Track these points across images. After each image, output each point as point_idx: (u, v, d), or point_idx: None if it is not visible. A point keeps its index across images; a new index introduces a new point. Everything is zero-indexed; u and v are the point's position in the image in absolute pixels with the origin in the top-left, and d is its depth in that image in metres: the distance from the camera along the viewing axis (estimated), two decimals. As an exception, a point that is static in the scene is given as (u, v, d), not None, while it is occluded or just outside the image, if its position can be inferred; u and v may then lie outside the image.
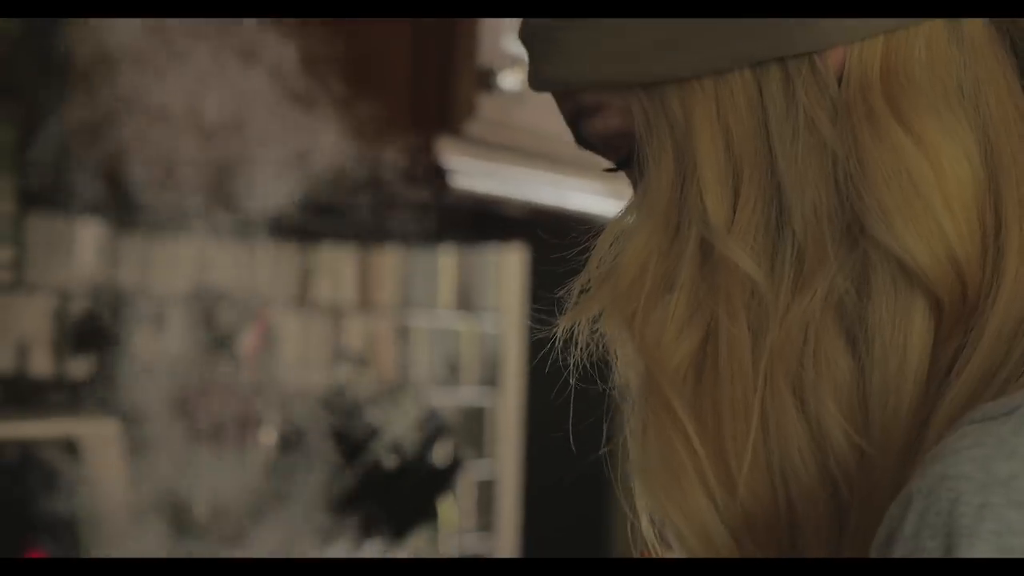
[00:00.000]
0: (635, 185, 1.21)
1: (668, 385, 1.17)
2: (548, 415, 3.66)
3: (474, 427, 3.40)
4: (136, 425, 2.46)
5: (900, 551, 1.01)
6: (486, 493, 3.57)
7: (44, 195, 2.61)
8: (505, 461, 3.60)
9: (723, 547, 1.19)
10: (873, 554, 1.05)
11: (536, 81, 1.23)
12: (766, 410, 1.16)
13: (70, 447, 2.42)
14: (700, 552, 1.20)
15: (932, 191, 1.13)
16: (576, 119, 1.21)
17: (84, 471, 2.45)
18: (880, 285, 1.14)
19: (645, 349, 1.18)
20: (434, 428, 2.86)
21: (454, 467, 2.90)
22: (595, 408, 3.59)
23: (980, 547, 0.98)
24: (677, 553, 1.23)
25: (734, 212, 1.16)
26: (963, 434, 1.03)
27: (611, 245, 1.20)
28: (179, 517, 2.36)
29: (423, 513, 2.92)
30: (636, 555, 1.34)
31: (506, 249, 3.56)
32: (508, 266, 3.60)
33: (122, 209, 2.38)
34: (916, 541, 1.00)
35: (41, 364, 2.62)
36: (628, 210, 1.22)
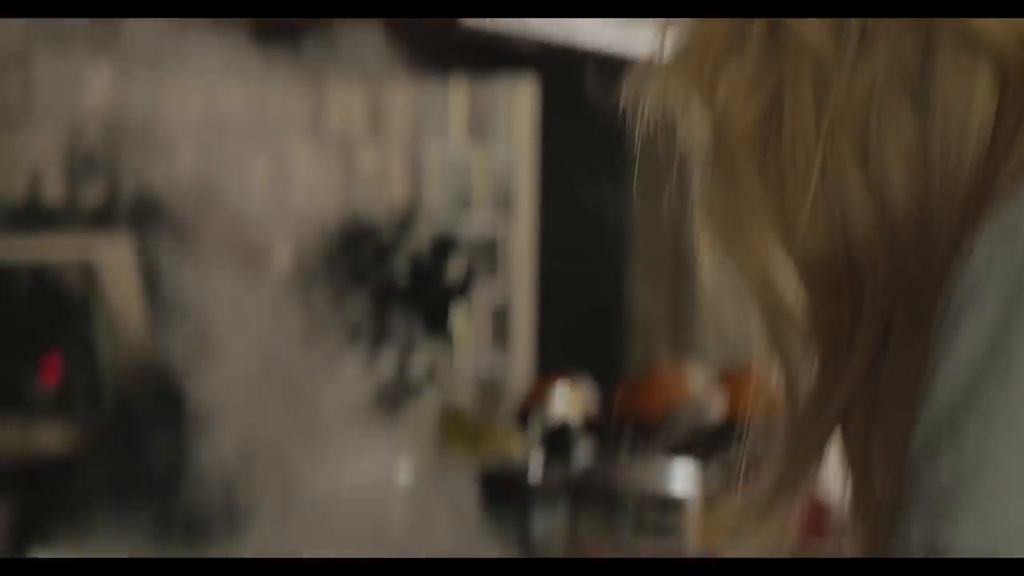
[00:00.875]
0: None
1: (736, 142, 1.16)
2: (558, 241, 3.69)
3: (488, 253, 3.40)
4: (150, 248, 2.46)
5: (975, 285, 0.99)
6: (501, 316, 3.57)
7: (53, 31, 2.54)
8: (519, 285, 3.60)
9: (784, 293, 1.18)
10: (944, 294, 1.02)
11: None
12: (827, 165, 1.13)
13: (87, 269, 2.44)
14: (765, 304, 1.18)
15: None
16: None
17: (100, 290, 2.48)
18: (944, 49, 1.11)
19: (715, 109, 1.16)
20: (446, 248, 2.88)
21: (467, 284, 2.92)
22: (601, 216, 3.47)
23: None
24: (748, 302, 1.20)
25: None
26: (1001, 222, 1.01)
27: (684, 41, 1.15)
28: (197, 338, 2.31)
29: (437, 327, 2.92)
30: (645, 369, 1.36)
31: (518, 81, 3.52)
32: (520, 97, 3.56)
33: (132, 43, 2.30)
34: (985, 276, 0.99)
35: (56, 191, 2.58)
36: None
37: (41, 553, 2.22)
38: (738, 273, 1.20)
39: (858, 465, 1.17)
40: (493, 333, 3.53)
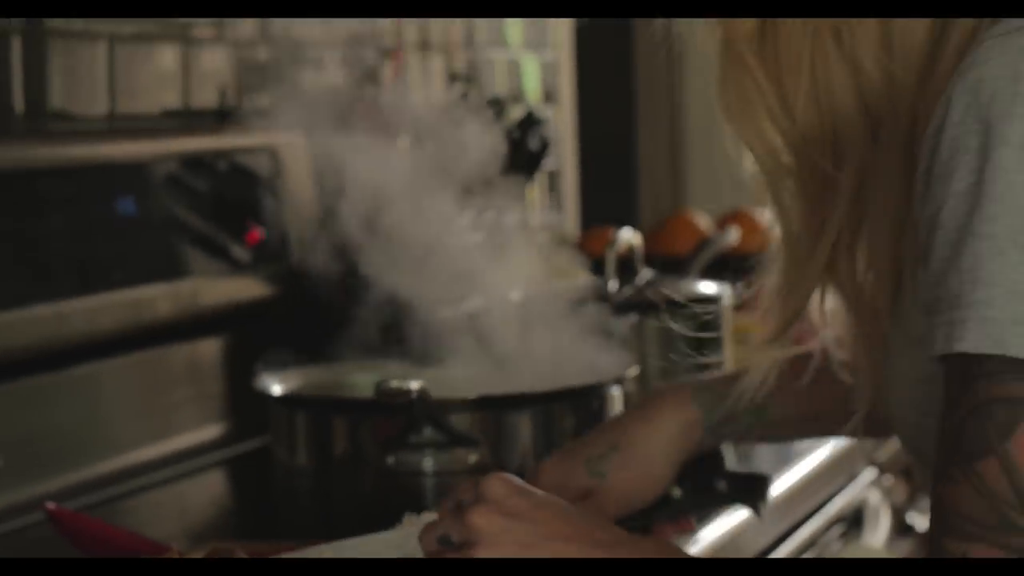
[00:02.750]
0: None
1: (742, 42, 1.27)
2: (591, 121, 3.81)
3: (547, 124, 3.24)
4: (315, 136, 2.46)
5: (949, 135, 1.10)
6: (555, 180, 3.61)
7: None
8: (565, 156, 3.63)
9: (784, 159, 1.30)
10: (925, 144, 1.14)
11: None
12: (814, 56, 1.25)
13: (271, 153, 2.52)
14: (769, 165, 1.31)
15: None
16: None
17: (281, 172, 2.55)
18: None
19: (724, 22, 1.29)
20: (531, 124, 2.91)
21: (543, 153, 2.95)
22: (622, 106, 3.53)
23: (1015, 125, 1.07)
24: (752, 164, 1.34)
25: None
26: (989, 47, 1.11)
27: None
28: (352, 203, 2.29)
29: (520, 193, 2.90)
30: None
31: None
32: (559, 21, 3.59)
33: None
34: (963, 126, 1.09)
35: (236, 98, 2.63)
36: None
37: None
38: (745, 139, 1.32)
39: (847, 281, 1.30)
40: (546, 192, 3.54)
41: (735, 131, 1.31)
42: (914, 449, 1.33)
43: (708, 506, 1.69)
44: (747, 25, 1.25)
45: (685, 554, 1.42)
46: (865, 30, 1.22)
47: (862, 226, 1.27)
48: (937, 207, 1.10)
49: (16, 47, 2.20)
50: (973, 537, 1.08)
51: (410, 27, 3.06)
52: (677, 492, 1.66)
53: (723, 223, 3.30)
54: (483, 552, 1.28)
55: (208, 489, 2.27)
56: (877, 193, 1.24)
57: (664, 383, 2.18)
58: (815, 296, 1.34)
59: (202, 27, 2.54)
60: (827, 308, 1.37)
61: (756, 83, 1.27)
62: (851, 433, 1.53)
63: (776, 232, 1.34)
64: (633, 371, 2.08)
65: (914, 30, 1.21)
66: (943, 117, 1.11)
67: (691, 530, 1.66)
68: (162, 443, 2.29)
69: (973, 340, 1.07)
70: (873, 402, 1.38)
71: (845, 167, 1.26)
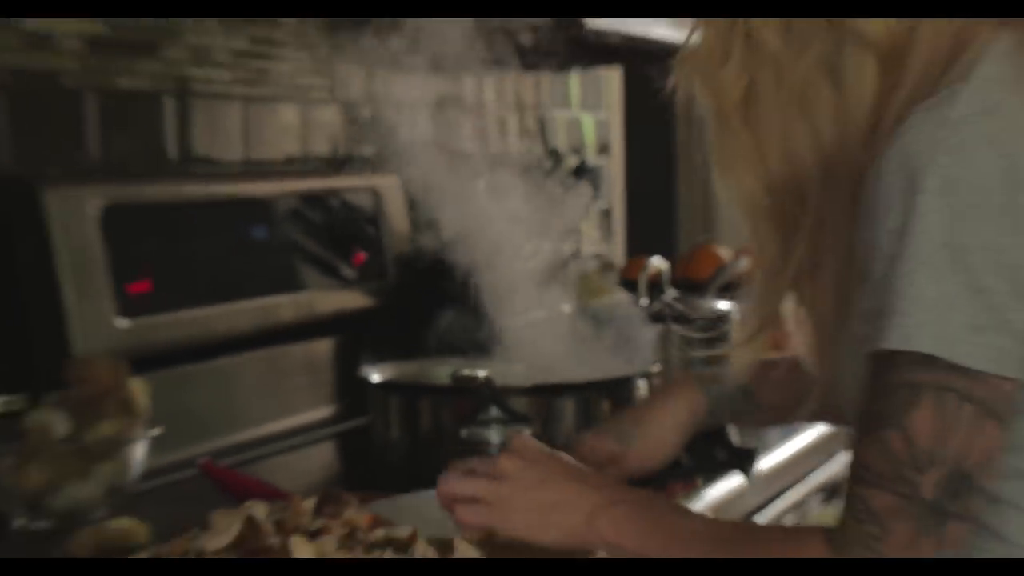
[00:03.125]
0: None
1: (730, 111, 1.30)
2: (641, 176, 3.86)
3: (595, 178, 3.38)
4: (409, 179, 2.44)
5: (884, 184, 1.16)
6: (606, 217, 3.60)
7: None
8: (615, 196, 3.65)
9: (761, 202, 1.31)
10: (865, 192, 1.19)
11: None
12: (785, 124, 1.27)
13: (374, 192, 2.57)
14: (748, 206, 1.33)
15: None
16: None
17: (381, 207, 2.59)
18: (848, 46, 1.23)
19: (714, 91, 1.31)
20: (584, 171, 3.04)
21: (594, 195, 3.02)
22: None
23: (932, 178, 1.12)
24: (735, 206, 1.35)
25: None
26: (915, 118, 1.16)
27: (690, 46, 1.32)
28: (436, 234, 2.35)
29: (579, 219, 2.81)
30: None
31: (611, 70, 3.55)
32: (613, 82, 3.60)
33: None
34: (894, 177, 1.15)
35: (345, 147, 2.67)
36: (697, 27, 1.32)
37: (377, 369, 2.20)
38: (731, 186, 1.33)
39: (807, 300, 1.34)
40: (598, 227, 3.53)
41: (723, 180, 1.33)
42: (838, 405, 1.36)
43: (710, 471, 1.72)
44: (734, 96, 1.28)
45: (666, 502, 1.47)
46: (825, 103, 1.25)
47: (820, 254, 1.28)
48: (874, 239, 1.16)
49: (169, 105, 2.29)
50: (875, 485, 1.15)
51: (489, 89, 3.07)
52: (686, 459, 1.68)
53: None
54: (507, 486, 1.39)
55: (320, 456, 2.32)
56: (830, 229, 1.26)
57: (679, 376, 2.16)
58: (790, 308, 1.37)
59: (318, 90, 2.60)
60: (799, 319, 1.39)
61: (740, 143, 1.30)
62: (809, 417, 1.58)
63: (753, 258, 1.36)
64: (656, 368, 2.15)
65: (862, 105, 1.24)
66: (880, 171, 1.16)
67: (696, 488, 1.70)
68: (284, 420, 2.39)
69: (891, 339, 1.14)
70: (828, 393, 1.39)
71: (807, 209, 1.28)
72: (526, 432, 1.77)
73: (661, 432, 1.68)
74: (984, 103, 1.15)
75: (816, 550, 1.20)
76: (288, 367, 2.44)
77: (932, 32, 1.22)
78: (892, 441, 1.14)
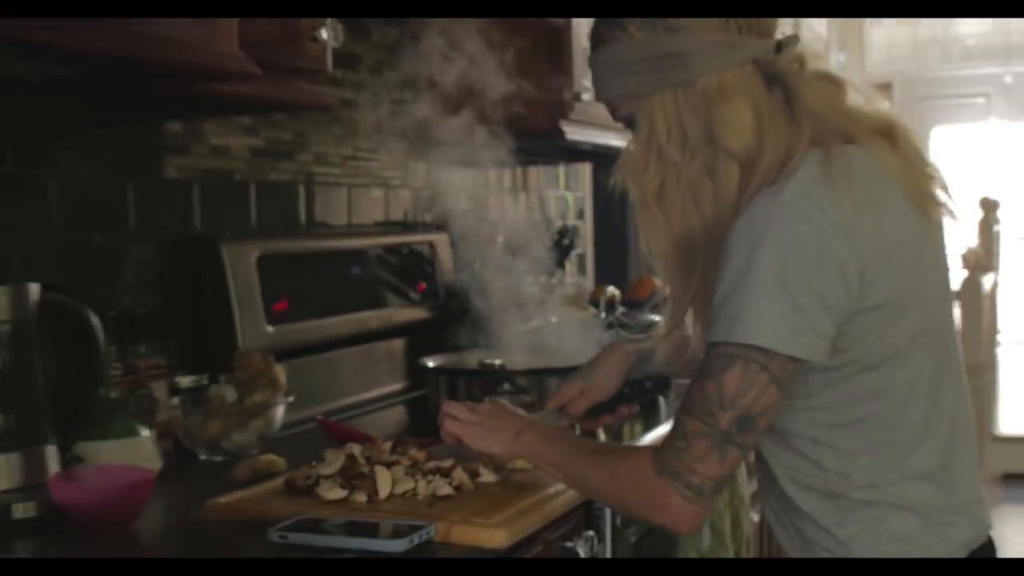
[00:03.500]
0: (632, 132, 1.29)
1: (649, 198, 1.28)
2: (604, 232, 3.87)
3: (575, 234, 3.32)
4: (454, 237, 2.59)
5: (735, 239, 1.15)
6: (581, 260, 3.52)
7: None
8: (586, 247, 3.56)
9: (669, 252, 1.27)
10: (722, 256, 1.16)
11: (596, 96, 1.33)
12: (684, 206, 1.25)
13: (431, 244, 2.57)
14: (661, 255, 1.29)
15: (738, 128, 1.21)
16: (610, 108, 1.31)
17: (436, 255, 2.58)
18: (722, 156, 1.21)
19: (639, 186, 1.28)
20: (566, 230, 3.01)
21: (572, 245, 3.02)
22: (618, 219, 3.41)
23: (768, 237, 1.12)
24: (653, 256, 1.31)
25: (669, 138, 1.24)
26: (756, 202, 1.17)
27: (624, 156, 1.29)
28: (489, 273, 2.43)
29: (561, 266, 3.00)
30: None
31: (584, 165, 3.51)
32: (585, 173, 3.55)
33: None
34: (743, 236, 1.14)
35: (412, 216, 2.66)
36: (630, 142, 1.29)
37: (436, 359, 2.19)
38: (651, 245, 1.30)
39: (700, 317, 1.29)
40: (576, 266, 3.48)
41: (645, 239, 1.30)
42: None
43: (641, 396, 1.63)
44: (652, 189, 1.25)
45: (563, 431, 1.45)
46: (707, 193, 1.23)
47: (706, 286, 1.25)
48: (724, 272, 1.16)
49: (301, 190, 2.31)
50: (690, 415, 1.16)
51: (506, 178, 3.06)
52: (626, 390, 1.62)
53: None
54: (475, 417, 1.41)
55: (395, 415, 2.31)
56: (710, 270, 1.23)
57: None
58: (688, 317, 1.33)
59: (396, 179, 2.60)
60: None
61: (655, 217, 1.27)
62: (687, 371, 1.51)
63: (666, 286, 1.34)
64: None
65: (729, 193, 1.21)
66: (734, 232, 1.16)
67: (635, 411, 1.63)
68: (372, 391, 2.39)
69: (730, 335, 1.15)
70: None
71: (698, 256, 1.26)
72: (522, 399, 1.79)
73: (607, 373, 1.62)
74: (801, 192, 1.15)
75: (644, 454, 1.21)
76: (374, 358, 2.42)
77: (772, 147, 1.20)
78: (709, 387, 1.15)
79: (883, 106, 1.26)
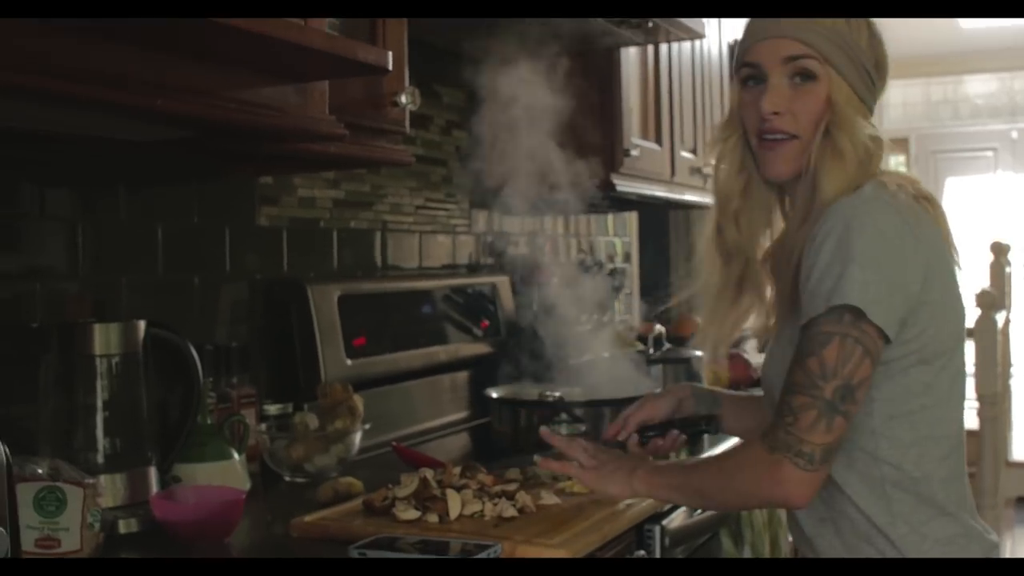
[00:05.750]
0: (794, 87, 1.23)
1: (722, 203, 1.30)
2: (648, 271, 3.86)
3: (623, 275, 3.30)
4: (514, 279, 2.56)
5: (825, 227, 1.14)
6: (628, 298, 3.49)
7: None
8: (633, 287, 3.52)
9: (729, 260, 1.28)
10: (810, 246, 1.15)
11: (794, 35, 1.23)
12: (759, 227, 1.28)
13: (492, 286, 2.53)
14: (707, 259, 1.29)
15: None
16: (794, 55, 1.23)
17: (497, 295, 2.51)
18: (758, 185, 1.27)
19: (719, 192, 1.29)
20: (615, 272, 2.96)
21: (622, 286, 2.99)
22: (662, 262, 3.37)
23: (859, 221, 1.12)
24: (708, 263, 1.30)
25: (837, 103, 1.22)
26: (841, 201, 1.17)
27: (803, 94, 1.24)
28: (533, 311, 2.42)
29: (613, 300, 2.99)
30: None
31: (631, 212, 3.46)
32: (632, 218, 3.51)
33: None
34: (827, 231, 1.14)
35: (476, 258, 2.63)
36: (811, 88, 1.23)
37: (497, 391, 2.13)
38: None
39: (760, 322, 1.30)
40: (624, 305, 3.45)
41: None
42: (769, 397, 1.29)
43: (690, 427, 1.54)
44: (734, 194, 1.27)
45: (667, 462, 1.41)
46: (766, 212, 1.27)
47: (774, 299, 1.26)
48: (818, 255, 1.14)
49: (377, 238, 2.29)
50: (796, 392, 1.14)
51: (560, 224, 3.02)
52: (677, 422, 1.54)
53: None
54: (595, 461, 1.38)
55: (461, 441, 2.27)
56: (781, 283, 1.25)
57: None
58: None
59: (461, 226, 2.58)
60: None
61: (733, 233, 1.28)
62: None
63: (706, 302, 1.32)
64: (658, 390, 2.04)
65: (799, 213, 1.22)
66: (826, 220, 1.15)
67: (683, 440, 1.55)
68: (440, 419, 2.36)
69: (833, 300, 1.13)
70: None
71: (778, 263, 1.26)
72: (578, 427, 1.74)
73: (663, 397, 1.56)
74: (876, 193, 1.17)
75: (753, 441, 1.18)
76: (443, 388, 2.40)
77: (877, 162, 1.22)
78: (811, 364, 1.13)
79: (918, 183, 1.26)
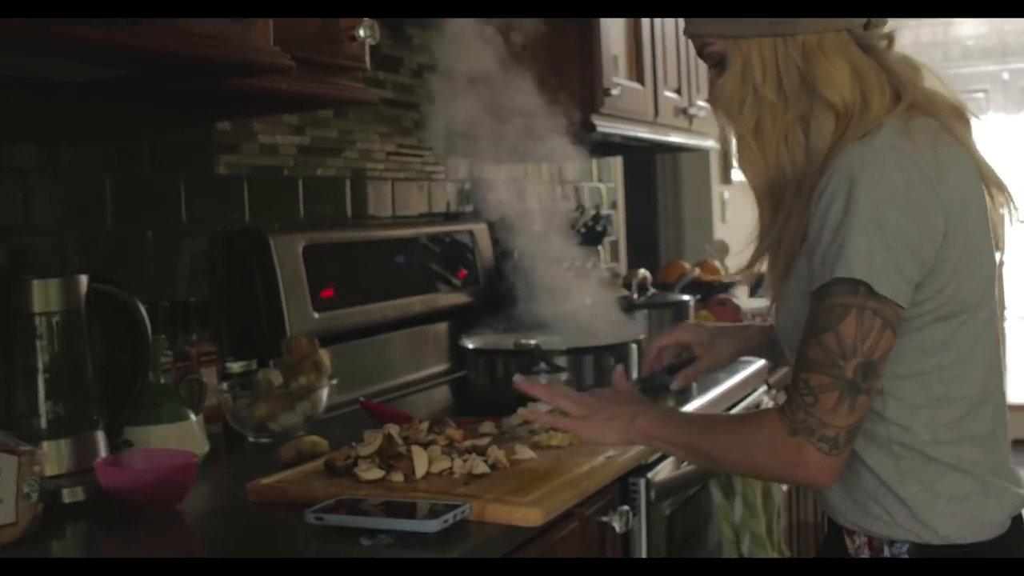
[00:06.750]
0: (716, 73, 1.20)
1: (745, 132, 1.19)
2: (635, 218, 3.76)
3: (608, 222, 3.14)
4: (494, 226, 2.48)
5: (833, 184, 1.07)
6: (614, 247, 3.43)
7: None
8: (619, 234, 3.46)
9: (763, 190, 1.19)
10: (818, 202, 1.09)
11: (689, 30, 1.23)
12: (778, 147, 1.16)
13: (471, 233, 2.45)
14: (757, 190, 1.19)
15: (839, 83, 1.14)
16: (700, 44, 1.21)
17: (476, 243, 2.46)
18: (817, 105, 1.14)
19: (735, 124, 1.19)
20: (599, 217, 2.84)
21: (605, 232, 2.86)
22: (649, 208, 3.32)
23: (863, 179, 1.05)
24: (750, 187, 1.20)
25: (764, 80, 1.16)
26: (849, 150, 1.09)
27: (717, 92, 1.20)
28: (510, 257, 2.35)
29: (595, 252, 2.84)
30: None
31: (616, 157, 3.40)
32: (617, 164, 3.44)
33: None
34: (840, 180, 1.07)
35: (455, 207, 2.55)
36: (722, 79, 1.19)
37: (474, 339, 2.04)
38: (749, 177, 1.19)
39: (774, 267, 1.20)
40: (610, 252, 3.38)
41: (743, 170, 1.21)
42: (790, 348, 1.22)
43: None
44: (749, 124, 1.18)
45: (673, 409, 1.34)
46: (799, 143, 1.16)
47: (783, 234, 1.18)
48: (827, 215, 1.08)
49: (347, 186, 2.20)
50: (814, 370, 1.07)
51: (543, 170, 2.93)
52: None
53: (695, 266, 3.22)
54: (584, 408, 1.29)
55: (440, 395, 2.18)
56: (793, 218, 1.16)
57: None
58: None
59: (438, 173, 2.48)
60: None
61: (751, 150, 1.19)
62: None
63: (756, 221, 1.24)
64: (642, 336, 2.01)
65: (821, 146, 1.15)
66: (829, 178, 1.09)
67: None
68: (418, 372, 2.26)
69: (837, 271, 1.06)
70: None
71: (786, 200, 1.18)
72: (558, 378, 1.65)
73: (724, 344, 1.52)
74: (889, 142, 1.09)
75: (772, 418, 1.11)
76: (421, 339, 2.30)
77: (877, 104, 1.14)
78: (828, 340, 1.06)
79: (956, 94, 1.20)
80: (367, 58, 1.63)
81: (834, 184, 1.08)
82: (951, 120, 1.16)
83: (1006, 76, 7.31)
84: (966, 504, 1.14)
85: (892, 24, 1.21)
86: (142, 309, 1.48)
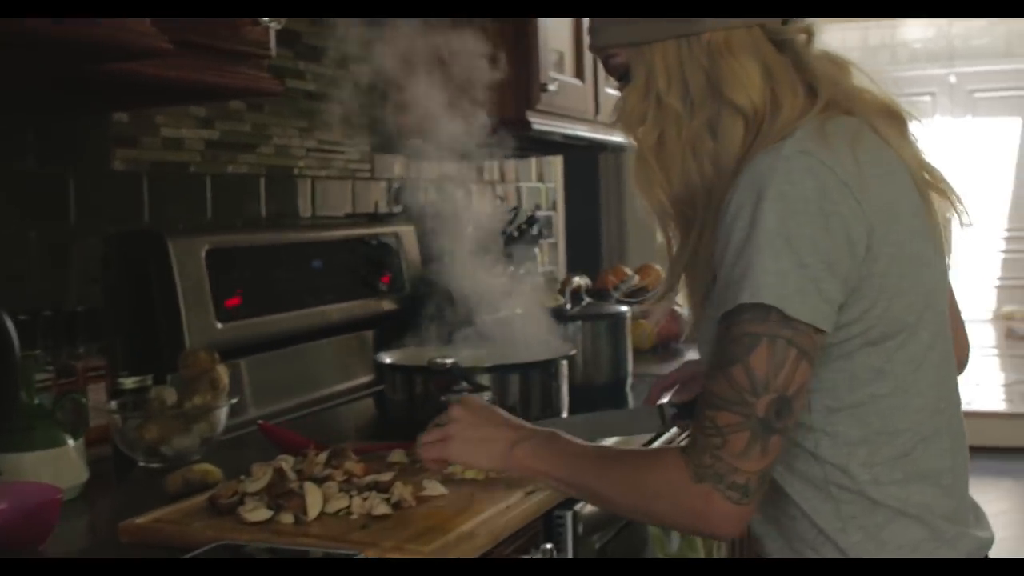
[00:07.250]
0: (623, 86, 1.13)
1: (645, 150, 1.09)
2: (576, 220, 3.67)
3: (547, 225, 3.15)
4: (421, 228, 2.36)
5: (738, 198, 0.99)
6: (553, 248, 3.36)
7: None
8: (558, 236, 3.39)
9: (668, 210, 1.11)
10: (723, 218, 1.01)
11: (591, 43, 1.15)
12: (683, 160, 1.08)
13: (396, 236, 2.32)
14: (659, 213, 1.11)
15: (747, 84, 1.05)
16: (604, 57, 1.13)
17: (402, 246, 2.33)
18: (725, 111, 1.06)
19: (635, 139, 1.11)
20: (533, 220, 2.71)
21: (540, 235, 2.75)
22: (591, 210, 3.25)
23: (770, 191, 0.96)
24: (649, 214, 1.13)
25: (669, 88, 1.07)
26: (758, 157, 0.99)
27: (620, 107, 1.12)
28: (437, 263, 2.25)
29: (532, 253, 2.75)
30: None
31: (555, 155, 3.32)
32: (557, 164, 3.37)
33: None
34: (746, 193, 0.98)
35: (382, 207, 2.42)
36: (625, 92, 1.11)
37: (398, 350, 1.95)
38: (647, 200, 1.11)
39: (691, 285, 1.11)
40: (548, 256, 3.31)
41: (642, 196, 1.13)
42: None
43: None
44: (651, 140, 1.09)
45: (562, 436, 1.15)
46: (708, 150, 1.07)
47: (699, 250, 1.09)
48: (730, 234, 0.98)
49: (261, 184, 2.06)
50: (721, 408, 0.95)
51: (481, 170, 2.83)
52: None
53: (636, 271, 3.11)
54: (453, 427, 1.16)
55: (362, 409, 2.04)
56: (708, 232, 1.07)
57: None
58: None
59: (363, 172, 2.36)
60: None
61: (651, 170, 1.10)
62: None
63: (664, 248, 1.15)
64: (572, 352, 1.88)
65: (731, 152, 1.06)
66: (736, 189, 1.00)
67: None
68: (340, 385, 2.10)
69: (742, 296, 0.95)
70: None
71: (696, 217, 1.09)
72: (479, 396, 1.52)
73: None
74: (801, 147, 0.98)
75: (675, 460, 0.98)
76: (343, 351, 2.13)
77: (789, 106, 1.04)
78: (736, 374, 0.95)
79: (889, 93, 1.10)
80: (272, 44, 1.52)
81: (739, 197, 0.99)
82: (879, 120, 1.06)
83: (953, 79, 7.35)
84: (916, 555, 1.03)
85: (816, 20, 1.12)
86: (7, 321, 1.32)
